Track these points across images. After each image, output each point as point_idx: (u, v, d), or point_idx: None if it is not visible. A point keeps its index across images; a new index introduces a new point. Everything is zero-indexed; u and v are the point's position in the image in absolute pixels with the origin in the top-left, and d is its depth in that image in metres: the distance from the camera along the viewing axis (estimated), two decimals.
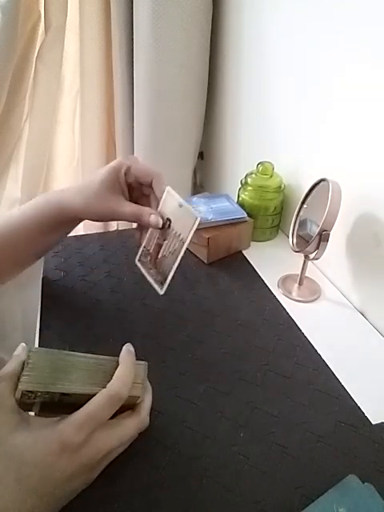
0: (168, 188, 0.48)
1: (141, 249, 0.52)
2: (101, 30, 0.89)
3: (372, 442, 0.39)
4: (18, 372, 0.33)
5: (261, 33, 0.76)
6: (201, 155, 1.14)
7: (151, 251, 0.50)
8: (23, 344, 0.36)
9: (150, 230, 0.50)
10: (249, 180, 0.71)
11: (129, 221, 0.49)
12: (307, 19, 0.62)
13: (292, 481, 0.36)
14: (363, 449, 0.39)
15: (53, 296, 0.58)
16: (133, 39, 0.88)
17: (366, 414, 0.42)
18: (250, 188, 0.71)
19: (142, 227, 0.51)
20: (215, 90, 0.99)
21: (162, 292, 0.48)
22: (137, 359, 0.38)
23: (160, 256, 0.49)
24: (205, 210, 0.67)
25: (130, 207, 0.47)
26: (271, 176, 0.69)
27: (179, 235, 0.47)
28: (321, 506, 0.33)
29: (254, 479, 0.36)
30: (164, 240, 0.49)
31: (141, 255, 0.52)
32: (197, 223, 0.45)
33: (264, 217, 0.71)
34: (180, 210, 0.47)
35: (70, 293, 0.59)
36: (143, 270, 0.52)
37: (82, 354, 0.35)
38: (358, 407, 0.43)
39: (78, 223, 0.52)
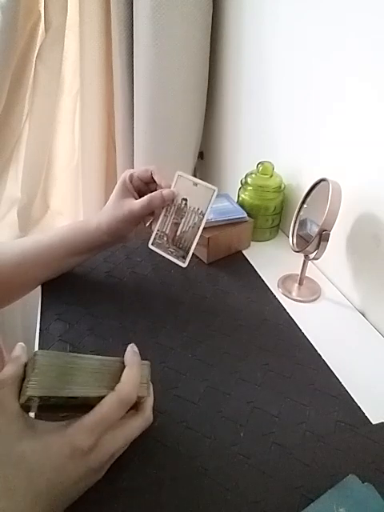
0: (178, 172, 0.54)
1: (153, 233, 0.56)
2: (101, 30, 0.89)
3: (372, 442, 0.39)
4: (21, 375, 0.32)
5: (261, 32, 0.76)
6: (201, 155, 1.14)
7: (168, 232, 0.54)
8: (22, 343, 0.35)
9: (163, 213, 0.55)
10: (249, 180, 0.71)
11: (144, 212, 0.53)
12: (308, 19, 0.62)
13: (292, 481, 0.36)
14: (363, 449, 0.39)
15: (53, 296, 0.58)
16: (133, 39, 0.88)
17: (366, 414, 0.42)
18: (250, 188, 0.71)
19: (154, 216, 0.56)
20: (215, 90, 0.99)
21: (185, 265, 0.53)
22: (150, 369, 0.39)
23: (179, 233, 0.53)
24: None
25: (140, 200, 0.53)
26: (271, 176, 0.69)
27: (197, 209, 0.52)
28: (321, 506, 0.33)
29: (254, 479, 0.36)
30: (181, 218, 0.53)
31: (155, 239, 0.56)
32: (215, 194, 0.51)
33: (264, 217, 0.71)
34: (195, 188, 0.52)
35: (69, 293, 0.59)
36: (160, 251, 0.55)
37: (86, 356, 0.35)
38: (358, 407, 0.43)
39: (101, 247, 0.58)
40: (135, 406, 0.37)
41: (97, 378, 0.34)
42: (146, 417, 0.37)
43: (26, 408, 0.32)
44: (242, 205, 0.71)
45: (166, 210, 0.55)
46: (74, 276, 0.61)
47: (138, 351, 0.38)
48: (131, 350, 0.38)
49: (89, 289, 0.60)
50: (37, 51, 0.86)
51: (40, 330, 0.52)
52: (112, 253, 0.67)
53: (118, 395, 0.33)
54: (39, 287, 0.59)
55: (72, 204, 1.14)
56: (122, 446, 0.34)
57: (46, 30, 0.83)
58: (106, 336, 0.51)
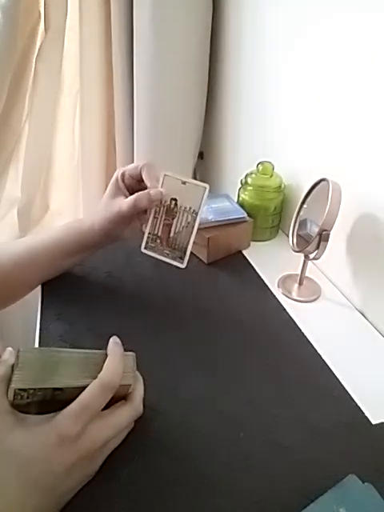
0: (165, 172, 0.51)
1: (145, 237, 0.53)
2: (101, 30, 0.88)
3: (372, 442, 0.39)
4: (9, 375, 0.33)
5: (261, 33, 0.76)
6: (201, 155, 1.14)
7: (160, 234, 0.52)
8: (10, 348, 0.36)
9: (152, 215, 0.52)
10: (249, 180, 0.71)
11: (132, 212, 0.51)
12: (308, 19, 0.62)
13: (292, 481, 0.36)
14: (363, 449, 0.39)
15: (53, 296, 0.58)
16: (133, 39, 0.88)
17: (366, 414, 0.42)
18: (250, 188, 0.71)
19: (143, 217, 0.54)
20: (215, 90, 0.99)
21: (183, 265, 0.51)
22: (136, 359, 0.39)
23: (172, 234, 0.51)
24: (205, 209, 0.67)
25: (127, 199, 0.51)
26: (271, 176, 0.69)
27: (189, 208, 0.50)
28: (321, 506, 0.33)
29: (254, 479, 0.36)
30: (173, 219, 0.51)
31: (147, 242, 0.54)
32: (207, 191, 0.49)
33: (264, 217, 0.71)
34: (184, 187, 0.50)
35: (70, 293, 0.59)
36: (155, 254, 0.53)
37: (70, 350, 0.36)
38: (358, 407, 0.43)
39: (96, 247, 0.58)
40: (125, 398, 0.37)
41: (81, 370, 0.34)
42: (134, 406, 0.37)
43: (21, 409, 0.33)
44: (242, 205, 0.71)
45: (155, 211, 0.52)
46: (74, 276, 0.61)
47: (120, 342, 0.39)
48: (113, 341, 0.38)
49: (89, 289, 0.60)
50: (37, 51, 0.86)
51: (40, 329, 0.52)
52: (112, 253, 0.67)
53: (100, 381, 0.33)
54: (39, 287, 0.59)
55: (72, 204, 1.14)
56: (111, 434, 0.34)
57: (46, 30, 0.83)
58: (106, 336, 0.50)
